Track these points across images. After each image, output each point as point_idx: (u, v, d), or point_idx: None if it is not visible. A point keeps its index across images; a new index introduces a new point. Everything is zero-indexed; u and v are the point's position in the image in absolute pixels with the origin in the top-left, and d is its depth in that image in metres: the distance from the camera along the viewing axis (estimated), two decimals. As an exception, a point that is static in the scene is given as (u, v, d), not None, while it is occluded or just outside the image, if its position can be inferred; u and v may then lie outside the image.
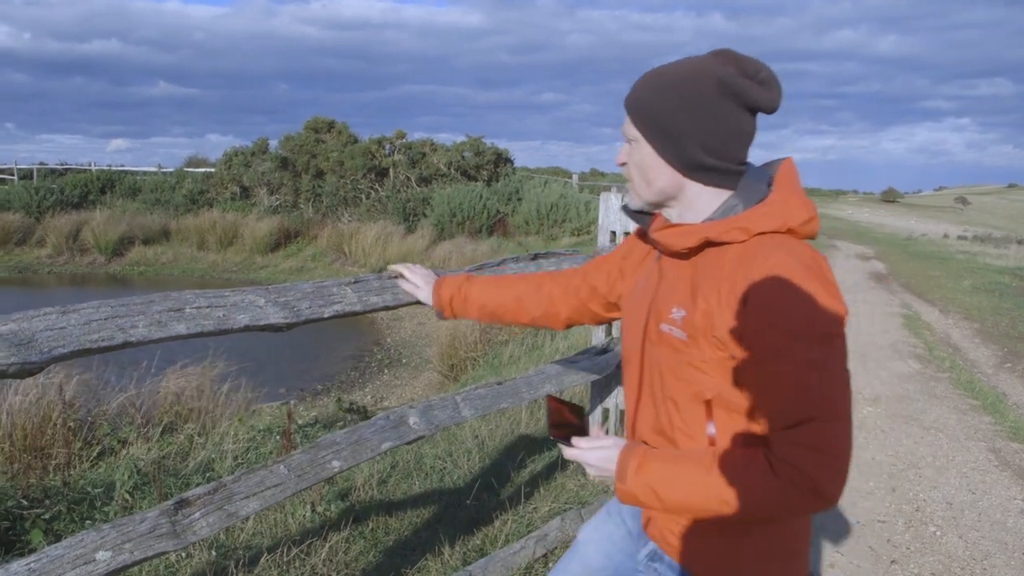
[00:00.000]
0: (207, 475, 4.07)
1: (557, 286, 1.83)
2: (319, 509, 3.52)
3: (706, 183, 1.35)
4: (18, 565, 1.41)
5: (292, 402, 6.77)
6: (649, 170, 1.37)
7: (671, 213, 1.42)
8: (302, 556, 3.06)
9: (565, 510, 3.46)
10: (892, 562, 3.49)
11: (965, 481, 4.43)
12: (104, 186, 24.52)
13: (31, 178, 26.92)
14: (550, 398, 1.47)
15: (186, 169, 26.61)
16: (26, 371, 1.34)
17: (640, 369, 1.47)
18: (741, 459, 1.24)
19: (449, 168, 23.29)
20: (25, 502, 3.42)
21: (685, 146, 1.32)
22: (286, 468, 1.90)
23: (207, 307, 1.63)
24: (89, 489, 3.67)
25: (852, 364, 6.84)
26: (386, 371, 10.01)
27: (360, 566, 3.07)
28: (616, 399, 3.57)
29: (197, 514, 1.68)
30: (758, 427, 1.27)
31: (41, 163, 29.48)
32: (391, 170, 22.70)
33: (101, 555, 1.50)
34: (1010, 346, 8.32)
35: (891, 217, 38.21)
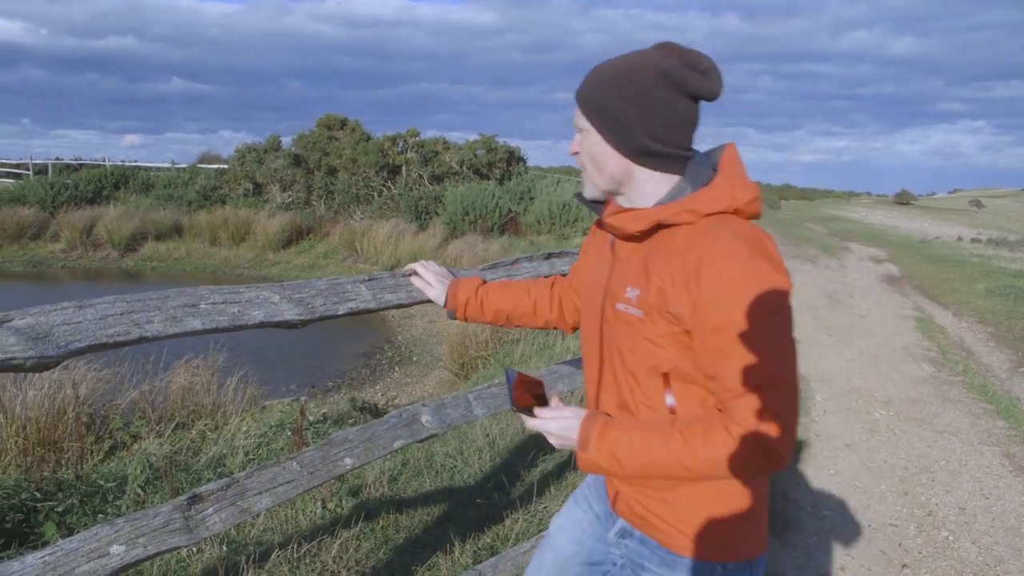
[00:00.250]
0: (218, 471, 4.09)
1: (564, 290, 1.90)
2: (330, 506, 3.53)
3: (654, 168, 1.41)
4: (33, 558, 1.42)
5: (303, 398, 6.78)
6: (599, 158, 1.44)
7: (623, 199, 1.48)
8: (312, 553, 3.07)
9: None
10: (904, 566, 3.48)
11: (978, 486, 4.40)
12: (118, 181, 24.64)
13: (46, 173, 27.09)
14: (511, 371, 1.51)
15: (199, 165, 26.72)
16: (43, 365, 1.34)
17: (600, 350, 1.54)
18: (698, 425, 1.33)
19: (461, 166, 23.29)
20: (38, 495, 3.45)
21: (632, 134, 1.38)
22: (298, 464, 1.90)
23: (222, 303, 1.63)
24: (101, 483, 3.69)
25: (864, 366, 6.80)
26: (397, 369, 10.02)
27: (371, 563, 3.07)
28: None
29: (210, 509, 1.69)
30: (713, 396, 1.36)
31: (56, 158, 29.67)
32: (403, 168, 22.71)
33: (115, 549, 1.51)
34: (1024, 350, 8.26)
35: (904, 219, 37.99)
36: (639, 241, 1.44)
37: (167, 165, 28.48)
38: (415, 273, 2.04)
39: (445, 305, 1.96)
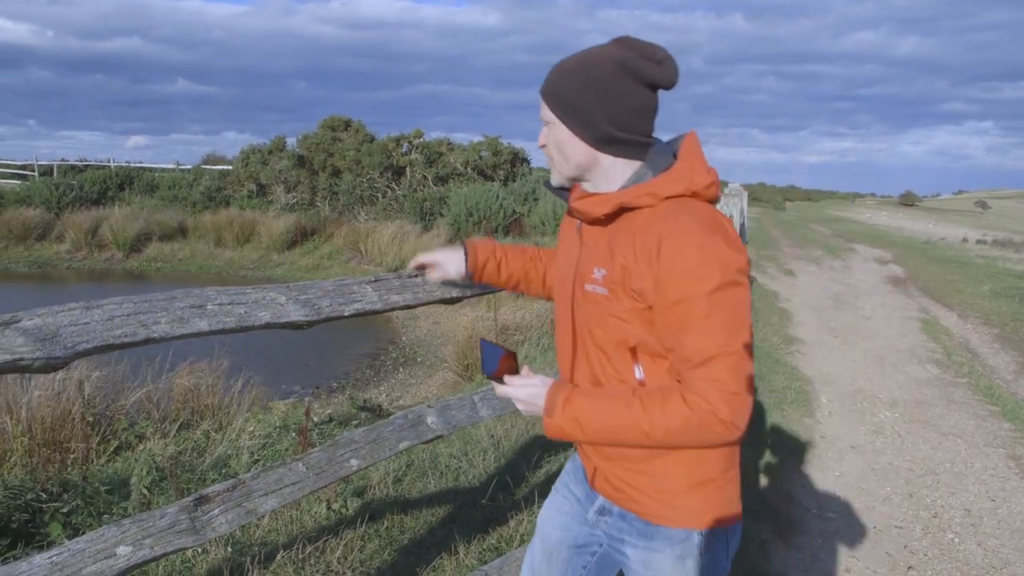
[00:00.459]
0: (223, 471, 4.09)
1: None
2: (335, 507, 3.53)
3: (617, 155, 1.49)
4: (41, 558, 1.42)
5: (308, 399, 6.79)
6: (566, 147, 1.51)
7: (588, 185, 1.56)
8: (317, 554, 3.07)
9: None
10: (909, 568, 3.47)
11: (984, 488, 4.39)
12: (123, 183, 24.69)
13: (51, 174, 27.15)
14: (484, 340, 1.57)
15: (203, 166, 26.75)
16: (50, 366, 1.35)
17: (572, 330, 1.61)
18: (657, 394, 1.40)
19: (466, 167, 23.29)
20: (44, 495, 3.45)
21: (595, 122, 1.46)
22: (304, 466, 1.90)
23: (228, 304, 1.63)
24: (107, 484, 3.70)
25: (869, 368, 6.79)
26: (401, 370, 10.02)
27: (375, 564, 3.07)
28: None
29: (216, 511, 1.69)
30: (675, 368, 1.43)
31: (61, 159, 29.74)
32: (408, 169, 22.72)
33: (122, 550, 1.51)
34: (1030, 352, 8.23)
35: (909, 221, 37.91)
36: (604, 224, 1.51)
37: (172, 166, 28.53)
38: (423, 267, 2.00)
39: (468, 267, 1.92)
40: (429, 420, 2.22)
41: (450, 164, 23.30)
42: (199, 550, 3.06)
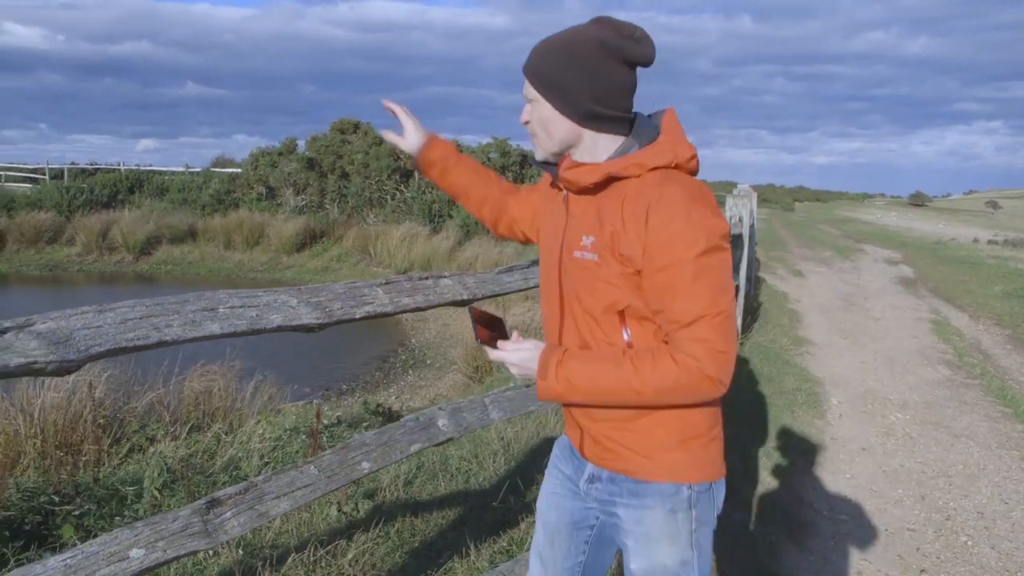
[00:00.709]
0: (234, 474, 4.10)
1: (516, 201, 1.96)
2: (346, 509, 3.54)
3: (599, 130, 1.56)
4: (55, 561, 1.42)
5: (317, 402, 6.80)
6: (549, 123, 1.58)
7: (575, 154, 1.61)
8: (329, 557, 3.07)
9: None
10: (922, 571, 3.45)
11: (997, 491, 4.36)
12: (133, 186, 24.81)
13: (62, 177, 27.28)
14: (474, 308, 1.63)
15: (213, 169, 26.83)
16: (64, 369, 1.35)
17: (560, 297, 1.66)
18: (647, 354, 1.47)
19: (474, 169, 23.31)
20: (56, 498, 3.47)
21: (578, 99, 1.52)
22: (316, 469, 1.90)
23: (240, 307, 1.63)
24: (119, 486, 3.71)
25: (880, 369, 6.76)
26: (411, 372, 10.03)
27: (387, 567, 3.07)
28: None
29: (228, 513, 1.69)
30: (662, 329, 1.49)
31: (72, 163, 29.89)
32: (417, 171, 22.74)
33: (135, 553, 1.52)
34: (1043, 353, 8.18)
35: (919, 221, 37.72)
36: (593, 194, 1.57)
37: (181, 169, 28.63)
38: (394, 113, 2.00)
39: (417, 154, 1.97)
40: (440, 423, 2.22)
41: (459, 166, 23.30)
42: (211, 552, 3.07)
